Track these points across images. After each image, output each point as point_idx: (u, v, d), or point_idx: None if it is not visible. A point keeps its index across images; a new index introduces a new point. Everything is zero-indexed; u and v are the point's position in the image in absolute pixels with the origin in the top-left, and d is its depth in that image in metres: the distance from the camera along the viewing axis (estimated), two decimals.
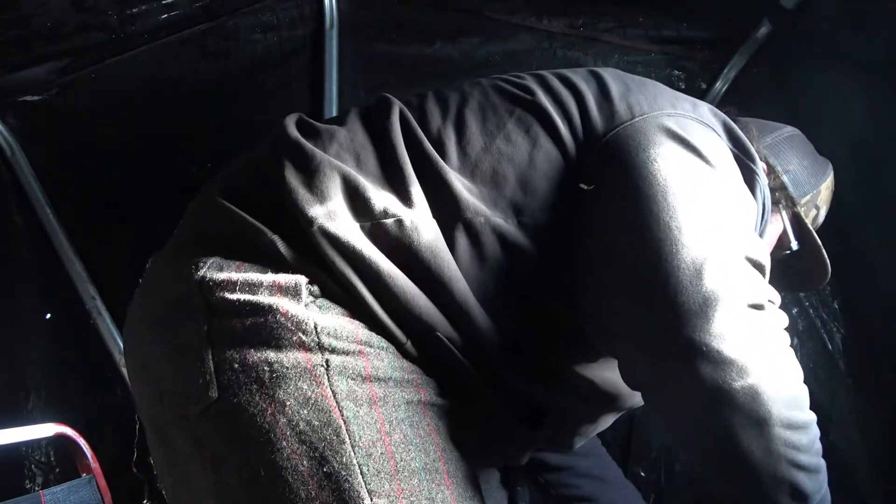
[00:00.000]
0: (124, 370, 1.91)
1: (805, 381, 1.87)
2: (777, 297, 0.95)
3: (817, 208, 1.28)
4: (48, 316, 1.95)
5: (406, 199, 0.92)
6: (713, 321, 0.80)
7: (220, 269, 0.89)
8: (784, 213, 1.20)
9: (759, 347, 0.83)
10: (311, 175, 0.92)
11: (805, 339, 1.86)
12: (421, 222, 0.91)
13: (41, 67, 1.84)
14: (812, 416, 0.90)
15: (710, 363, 0.80)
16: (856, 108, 1.56)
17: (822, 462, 0.92)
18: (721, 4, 1.88)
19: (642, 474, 1.96)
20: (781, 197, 1.19)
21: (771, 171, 1.18)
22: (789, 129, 1.28)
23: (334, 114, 1.99)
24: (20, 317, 1.94)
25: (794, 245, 1.22)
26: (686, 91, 2.03)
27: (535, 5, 1.98)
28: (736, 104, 1.95)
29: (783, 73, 1.83)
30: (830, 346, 1.82)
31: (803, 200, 1.22)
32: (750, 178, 1.01)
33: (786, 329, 0.93)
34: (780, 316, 0.93)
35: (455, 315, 0.91)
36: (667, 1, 1.92)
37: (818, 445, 0.91)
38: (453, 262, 0.91)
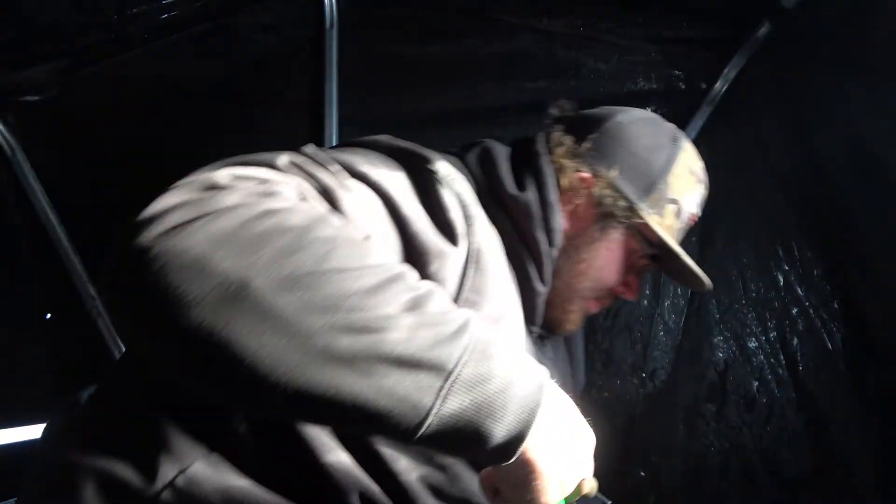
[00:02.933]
0: None
1: (805, 381, 1.87)
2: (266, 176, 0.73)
3: (675, 202, 1.07)
4: (48, 316, 1.95)
5: None
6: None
7: None
8: (625, 222, 1.04)
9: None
10: None
11: (805, 339, 1.86)
12: None
13: (41, 67, 1.84)
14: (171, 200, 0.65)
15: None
16: (856, 108, 1.56)
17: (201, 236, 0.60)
18: (721, 4, 1.88)
19: (642, 474, 1.96)
20: (613, 207, 1.02)
21: (596, 177, 1.02)
22: (618, 118, 1.07)
23: (334, 116, 1.99)
24: (20, 317, 1.94)
25: (646, 258, 1.06)
26: (686, 91, 2.05)
27: (535, 5, 1.98)
28: (736, 104, 1.96)
29: (783, 73, 1.83)
30: (830, 346, 1.82)
31: (645, 203, 1.04)
32: (424, 180, 0.85)
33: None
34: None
35: None
36: (667, 1, 1.92)
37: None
38: None
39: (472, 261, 0.83)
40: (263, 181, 0.70)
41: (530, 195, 0.93)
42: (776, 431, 1.89)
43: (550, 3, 1.98)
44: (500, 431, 0.62)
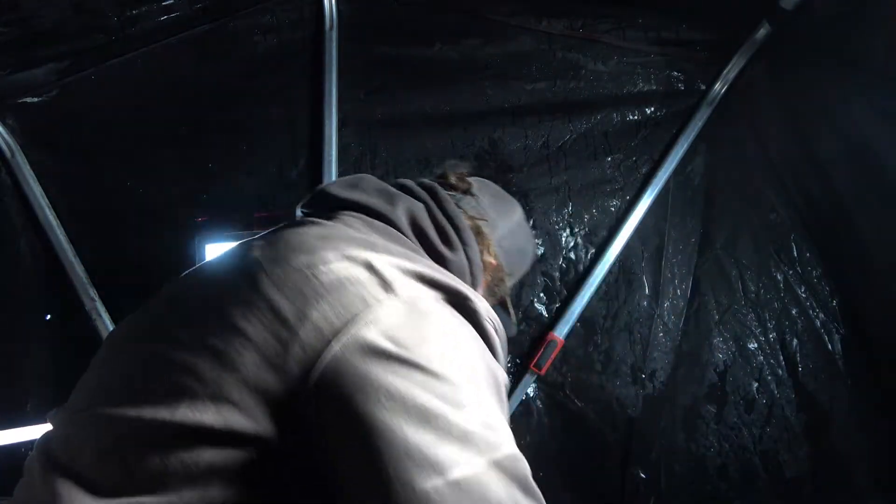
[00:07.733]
0: None
1: (805, 382, 1.87)
2: None
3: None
4: (48, 316, 1.95)
5: None
6: None
7: None
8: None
9: None
10: None
11: (805, 340, 1.86)
12: None
13: (41, 69, 1.85)
14: None
15: None
16: (855, 108, 1.56)
17: None
18: (720, 6, 1.88)
19: (642, 476, 1.96)
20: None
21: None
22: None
23: (334, 116, 1.99)
24: (20, 317, 1.94)
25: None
26: (685, 92, 2.06)
27: (535, 7, 1.99)
28: (735, 105, 1.96)
29: (783, 74, 1.83)
30: (830, 346, 1.82)
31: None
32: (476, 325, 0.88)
33: None
34: None
35: None
36: (666, 2, 1.92)
37: None
38: None
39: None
40: None
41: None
42: (776, 432, 1.89)
43: (550, 5, 1.99)
44: None
